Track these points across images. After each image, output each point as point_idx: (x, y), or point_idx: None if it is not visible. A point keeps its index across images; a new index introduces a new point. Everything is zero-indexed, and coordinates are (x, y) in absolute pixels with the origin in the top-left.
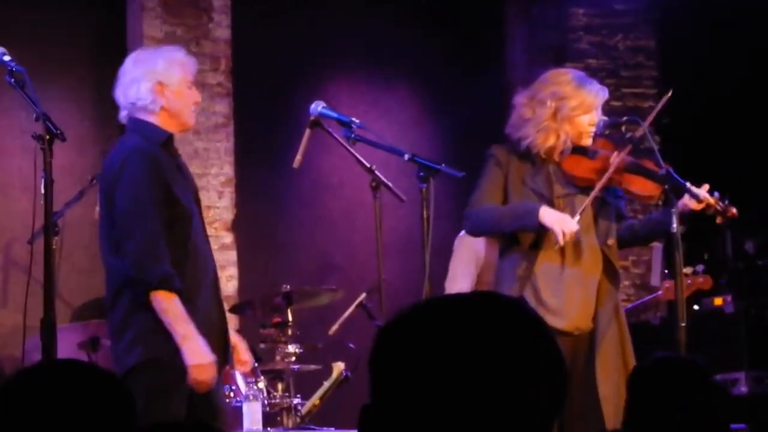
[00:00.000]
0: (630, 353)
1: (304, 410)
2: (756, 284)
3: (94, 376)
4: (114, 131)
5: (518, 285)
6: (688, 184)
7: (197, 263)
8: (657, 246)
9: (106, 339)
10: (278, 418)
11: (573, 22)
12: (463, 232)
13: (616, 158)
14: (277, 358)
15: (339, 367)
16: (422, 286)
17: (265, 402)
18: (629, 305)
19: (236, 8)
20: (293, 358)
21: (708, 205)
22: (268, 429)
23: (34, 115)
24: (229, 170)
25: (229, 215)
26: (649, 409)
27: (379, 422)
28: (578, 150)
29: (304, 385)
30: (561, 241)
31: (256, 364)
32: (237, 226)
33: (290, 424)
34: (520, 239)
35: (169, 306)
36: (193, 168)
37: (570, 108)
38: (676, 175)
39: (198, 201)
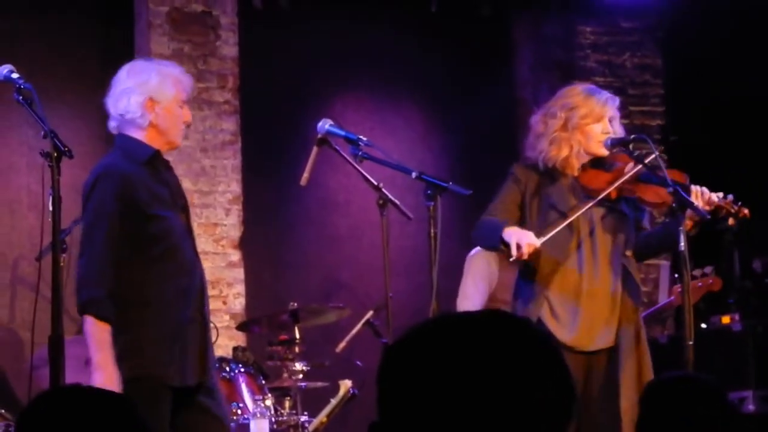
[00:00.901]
0: (649, 369)
1: (311, 428)
2: (764, 303)
3: (103, 402)
4: None
5: (535, 301)
6: (695, 203)
7: (172, 278)
8: (664, 264)
9: None
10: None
11: (580, 39)
12: (474, 251)
13: (630, 168)
14: (285, 375)
15: (346, 384)
16: (429, 304)
17: (273, 419)
18: (644, 312)
19: (243, 26)
20: (300, 376)
21: (719, 207)
22: None
23: (42, 133)
24: (236, 188)
25: (236, 233)
26: (661, 426)
27: None
28: (596, 164)
29: (311, 402)
30: (515, 253)
31: (264, 382)
32: (244, 244)
33: None
34: (540, 254)
35: (91, 330)
36: (200, 185)
37: (580, 117)
38: (683, 193)
39: (186, 214)
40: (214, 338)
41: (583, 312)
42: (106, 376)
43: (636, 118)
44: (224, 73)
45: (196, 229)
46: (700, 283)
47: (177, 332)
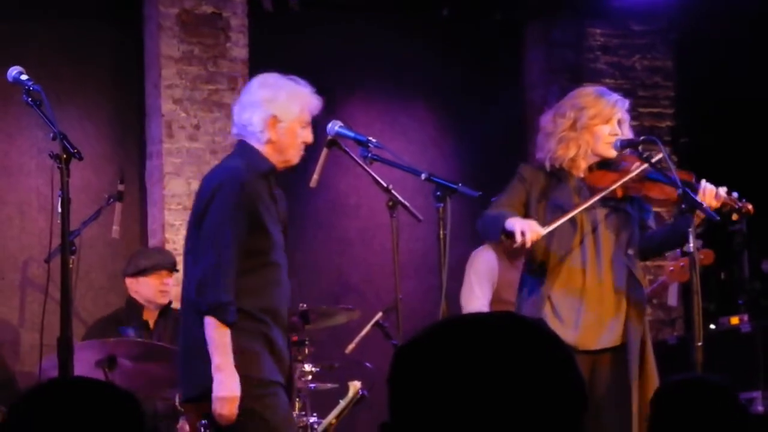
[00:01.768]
0: (653, 370)
1: (320, 429)
2: None
3: (102, 393)
4: (131, 149)
5: (538, 300)
6: (704, 204)
7: (279, 293)
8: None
9: (123, 358)
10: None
11: (590, 42)
12: (477, 250)
13: (636, 168)
14: (294, 376)
15: (355, 386)
16: (439, 305)
17: None
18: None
19: (253, 28)
20: (310, 377)
21: (724, 203)
22: None
23: (51, 135)
24: None
25: None
26: (672, 429)
27: None
28: (603, 165)
29: (321, 403)
30: (519, 240)
31: None
32: None
33: None
34: (544, 253)
35: (214, 334)
36: None
37: (588, 117)
38: (692, 195)
39: (285, 234)
40: None
41: (586, 311)
42: (226, 377)
43: (646, 120)
44: (234, 75)
45: None
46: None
47: (267, 342)
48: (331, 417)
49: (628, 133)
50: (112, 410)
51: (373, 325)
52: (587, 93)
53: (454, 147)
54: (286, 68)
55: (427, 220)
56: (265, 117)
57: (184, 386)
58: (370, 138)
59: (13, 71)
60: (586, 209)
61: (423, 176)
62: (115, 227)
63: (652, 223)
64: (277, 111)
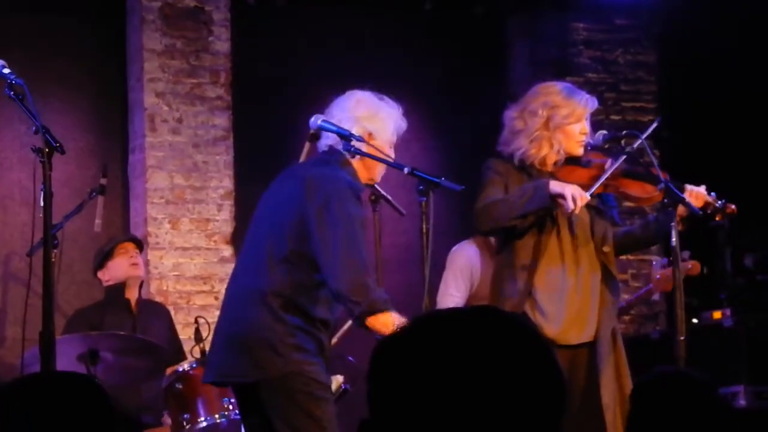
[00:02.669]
0: (625, 364)
1: None
2: (755, 298)
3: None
4: (114, 143)
5: (518, 297)
6: (686, 198)
7: (336, 309)
8: (656, 260)
9: (105, 351)
10: None
11: (574, 36)
12: (457, 246)
13: (610, 164)
14: None
15: (338, 380)
16: (422, 299)
17: None
18: (623, 302)
19: (236, 22)
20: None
21: (707, 203)
22: None
23: (34, 128)
24: (228, 183)
25: (228, 228)
26: (652, 423)
27: None
28: (571, 161)
29: None
30: (572, 206)
31: None
32: (236, 240)
33: None
34: (522, 249)
35: (390, 321)
36: (192, 181)
37: (561, 116)
38: (674, 189)
39: None
40: (205, 334)
41: (567, 306)
42: None
43: (629, 114)
44: (217, 68)
45: (188, 225)
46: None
47: (321, 349)
48: None
49: (590, 130)
50: (80, 402)
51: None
52: (556, 91)
53: (437, 141)
54: (267, 63)
55: (409, 214)
56: (362, 131)
57: (229, 367)
58: (353, 132)
59: None
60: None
61: (406, 170)
62: (98, 221)
63: (618, 219)
64: (374, 128)
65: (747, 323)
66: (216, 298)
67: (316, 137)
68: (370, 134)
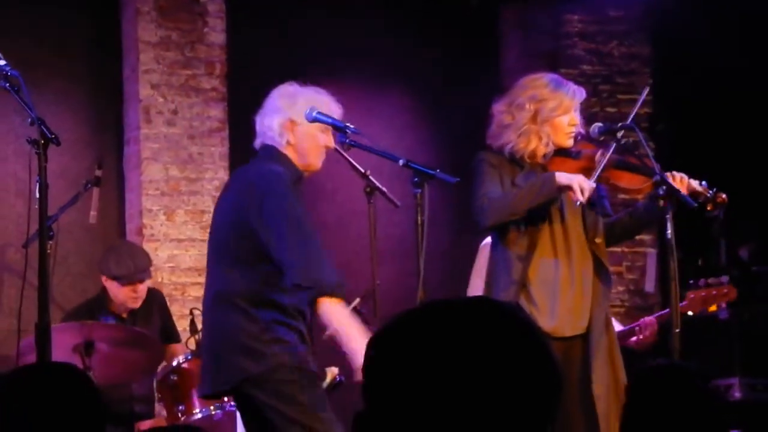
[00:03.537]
0: (618, 354)
1: None
2: (750, 291)
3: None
4: (109, 134)
5: (513, 289)
6: (682, 192)
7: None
8: (651, 252)
9: (100, 342)
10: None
11: (568, 28)
12: (485, 241)
13: (602, 155)
14: None
15: (332, 371)
16: (416, 291)
17: None
18: (656, 314)
19: (231, 13)
20: None
21: (698, 193)
22: None
23: (29, 120)
24: (223, 175)
25: None
26: (647, 415)
27: (372, 429)
28: (561, 152)
29: None
30: (581, 198)
31: None
32: None
33: None
34: (515, 242)
35: (341, 309)
36: (188, 173)
37: (549, 109)
38: (669, 181)
39: None
40: (199, 326)
41: (561, 299)
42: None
43: (623, 107)
44: (212, 60)
45: (183, 217)
46: (714, 291)
47: (301, 337)
48: None
49: (580, 121)
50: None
51: (351, 311)
52: (543, 84)
53: (431, 133)
54: (262, 54)
55: (404, 206)
56: (282, 121)
57: (214, 379)
58: (348, 124)
59: None
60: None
61: (401, 162)
62: (93, 212)
63: (609, 209)
64: (295, 115)
65: (742, 315)
66: None
67: None
68: (292, 121)
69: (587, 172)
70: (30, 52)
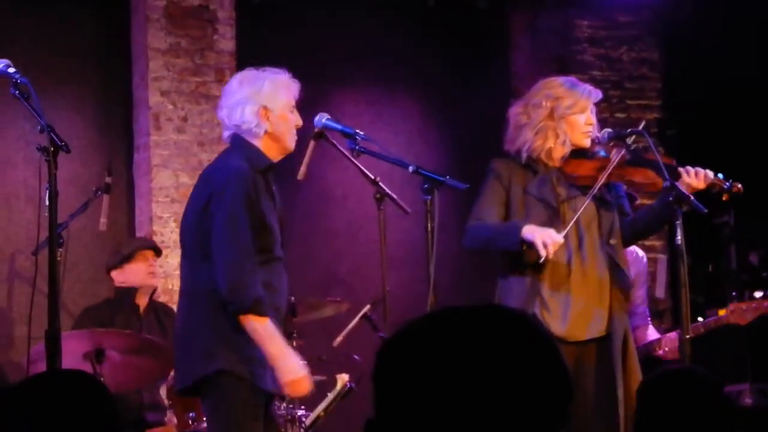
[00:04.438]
0: (635, 360)
1: (308, 422)
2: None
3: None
4: (119, 142)
5: (526, 296)
6: (692, 198)
7: (281, 289)
8: (661, 258)
9: (111, 350)
10: (282, 430)
11: (577, 33)
12: None
13: (616, 154)
14: None
15: (343, 378)
16: (426, 298)
17: None
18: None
19: (241, 20)
20: None
21: (713, 184)
22: None
23: (39, 127)
24: None
25: None
26: (657, 420)
27: None
28: (578, 153)
29: (309, 396)
30: (543, 253)
31: None
32: None
33: None
34: (526, 248)
35: (259, 327)
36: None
37: (565, 107)
38: (680, 188)
39: (282, 229)
40: None
41: (574, 303)
42: (286, 361)
43: (633, 112)
44: (221, 67)
45: None
46: (755, 305)
47: None
48: (319, 410)
49: (596, 124)
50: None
51: (361, 318)
52: (559, 84)
53: (440, 138)
54: (273, 61)
55: (414, 212)
56: (256, 110)
57: (177, 375)
58: (357, 130)
59: (0, 64)
60: (572, 199)
61: (410, 169)
62: (103, 219)
63: (628, 209)
64: (266, 101)
65: (753, 321)
66: None
67: (320, 135)
68: (265, 108)
69: (602, 171)
70: (40, 59)
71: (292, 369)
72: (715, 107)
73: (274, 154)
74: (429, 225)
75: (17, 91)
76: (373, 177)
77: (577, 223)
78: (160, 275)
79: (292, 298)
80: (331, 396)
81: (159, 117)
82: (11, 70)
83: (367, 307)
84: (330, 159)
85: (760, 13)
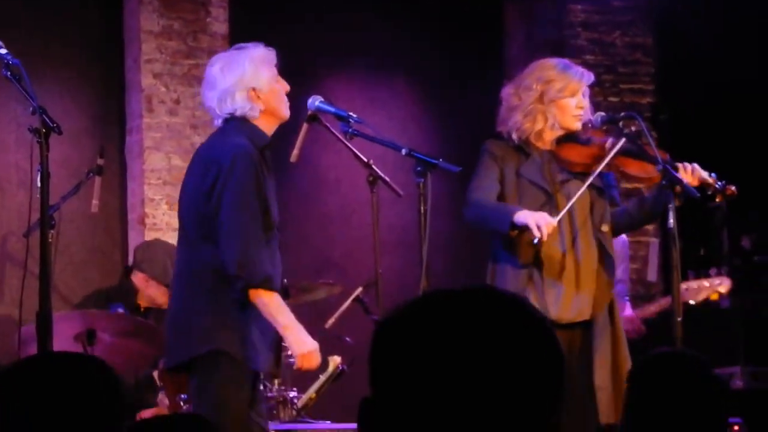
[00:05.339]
0: (623, 344)
1: (300, 404)
2: (752, 280)
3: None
4: (111, 124)
5: (519, 276)
6: (685, 181)
7: (278, 267)
8: (654, 241)
9: (102, 332)
10: (274, 412)
11: (571, 18)
12: None
13: (612, 143)
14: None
15: (335, 360)
16: (419, 280)
17: None
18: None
19: (234, 3)
20: (289, 352)
21: (707, 184)
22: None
23: (31, 109)
24: None
25: None
26: (648, 402)
27: (379, 416)
28: (570, 138)
29: (300, 378)
30: (537, 235)
31: None
32: None
33: (286, 418)
34: (520, 232)
35: (269, 301)
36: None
37: (556, 90)
38: (673, 171)
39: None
40: None
41: (566, 287)
42: (298, 333)
43: (626, 96)
44: (214, 49)
45: None
46: (707, 283)
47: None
48: (311, 392)
49: (589, 107)
50: (89, 383)
51: (353, 300)
52: (551, 66)
53: (434, 122)
54: (266, 43)
55: (407, 195)
56: (246, 95)
57: (169, 353)
58: (351, 113)
59: None
60: (565, 183)
61: (403, 151)
62: (95, 201)
63: (618, 199)
64: (253, 83)
65: (744, 304)
66: None
67: (314, 118)
68: (254, 89)
69: (597, 159)
70: (32, 42)
71: (304, 341)
72: (708, 91)
73: (271, 127)
74: (422, 208)
75: (9, 73)
76: (366, 160)
77: (570, 209)
78: None
79: (285, 280)
80: (323, 378)
81: (151, 99)
82: (2, 51)
83: (360, 289)
84: (323, 142)
85: None
